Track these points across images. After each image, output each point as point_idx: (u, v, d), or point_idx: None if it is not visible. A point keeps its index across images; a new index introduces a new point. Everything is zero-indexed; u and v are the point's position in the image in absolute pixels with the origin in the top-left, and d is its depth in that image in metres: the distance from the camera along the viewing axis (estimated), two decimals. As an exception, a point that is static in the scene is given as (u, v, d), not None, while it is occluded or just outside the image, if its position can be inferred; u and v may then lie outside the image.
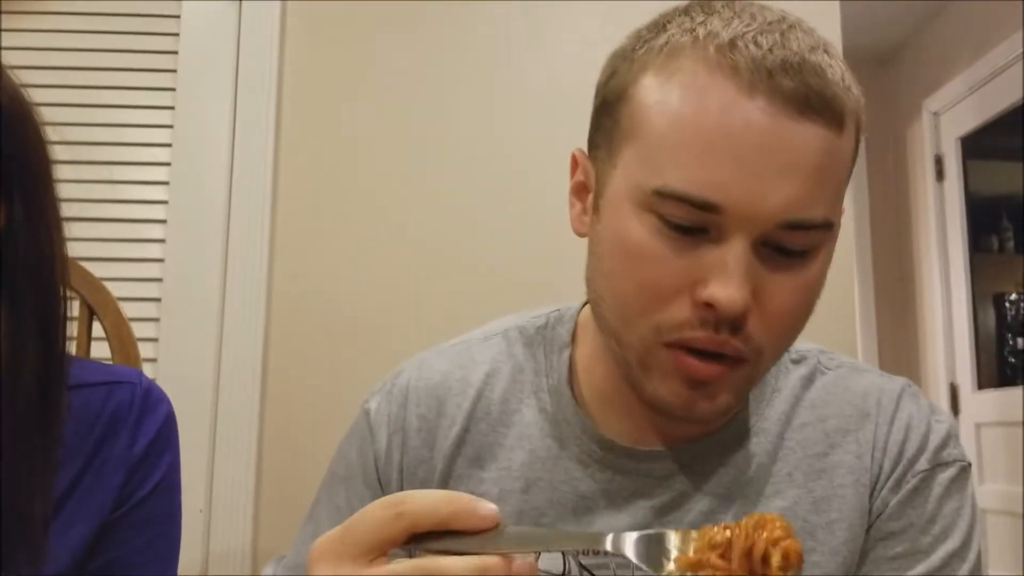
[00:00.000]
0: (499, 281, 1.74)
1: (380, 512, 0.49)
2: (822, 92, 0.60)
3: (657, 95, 0.62)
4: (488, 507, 0.49)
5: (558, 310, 0.80)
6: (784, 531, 0.49)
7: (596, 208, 0.67)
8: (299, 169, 1.80)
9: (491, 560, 0.47)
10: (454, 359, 0.79)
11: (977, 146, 3.25)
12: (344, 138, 1.81)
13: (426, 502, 0.49)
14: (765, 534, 0.49)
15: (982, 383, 3.16)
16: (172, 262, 1.74)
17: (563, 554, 0.70)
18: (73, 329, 0.98)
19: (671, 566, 0.49)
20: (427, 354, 0.81)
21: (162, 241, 1.74)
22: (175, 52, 1.78)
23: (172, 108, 1.77)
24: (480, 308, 1.01)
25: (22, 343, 0.70)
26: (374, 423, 0.77)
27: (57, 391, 0.73)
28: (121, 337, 1.04)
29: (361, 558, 0.48)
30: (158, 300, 1.73)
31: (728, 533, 0.49)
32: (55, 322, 0.74)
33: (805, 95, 0.59)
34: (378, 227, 1.79)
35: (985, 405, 3.09)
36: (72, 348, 0.85)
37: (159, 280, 1.73)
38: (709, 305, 0.60)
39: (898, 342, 3.65)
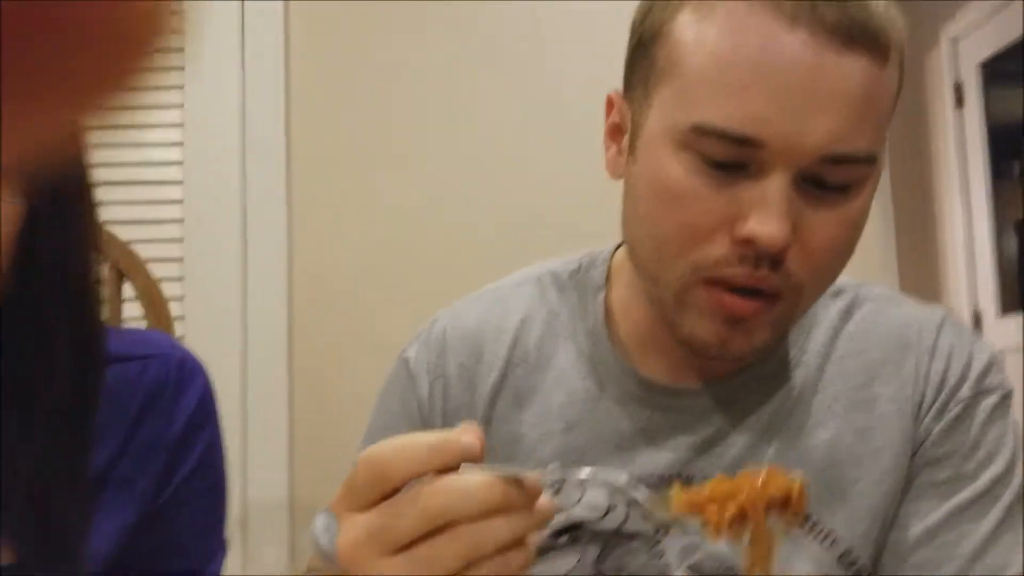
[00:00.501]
0: (523, 236, 1.74)
1: (368, 473, 0.48)
2: (866, 24, 0.59)
3: (694, 31, 0.62)
4: (470, 438, 0.48)
5: (589, 254, 0.81)
6: (785, 489, 0.51)
7: (632, 149, 0.67)
8: (314, 116, 1.79)
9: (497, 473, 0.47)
10: (488, 306, 0.80)
11: (997, 72, 3.19)
12: (361, 89, 1.79)
13: (414, 457, 0.48)
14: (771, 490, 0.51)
15: (1005, 308, 3.15)
16: (192, 222, 1.75)
17: (609, 491, 0.71)
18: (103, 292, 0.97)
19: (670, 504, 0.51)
20: (461, 302, 0.83)
21: (180, 202, 1.75)
22: None
23: (182, 69, 1.76)
24: (506, 260, 1.00)
25: (57, 322, 0.65)
26: (414, 371, 0.78)
27: (96, 372, 0.68)
28: (151, 297, 1.04)
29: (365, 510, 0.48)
30: (180, 260, 1.74)
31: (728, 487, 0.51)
32: (91, 296, 0.69)
33: (848, 26, 0.59)
34: (398, 181, 1.78)
35: (1008, 331, 3.08)
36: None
37: (180, 240, 1.74)
38: (748, 241, 0.60)
39: (919, 270, 3.63)
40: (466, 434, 0.47)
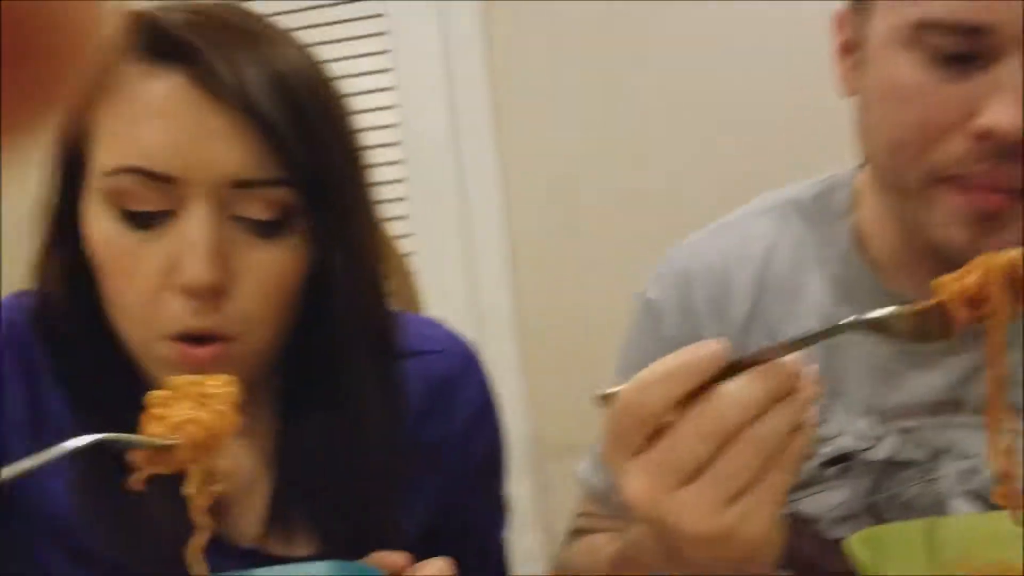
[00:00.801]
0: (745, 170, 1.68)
1: (624, 418, 0.47)
2: None
3: None
4: (711, 346, 0.47)
5: (829, 179, 0.78)
6: None
7: (861, 62, 0.66)
8: (517, 51, 1.80)
9: (757, 369, 0.46)
10: (729, 238, 0.79)
11: None
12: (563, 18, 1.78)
13: (662, 392, 0.46)
14: None
15: None
16: (414, 180, 1.82)
17: (878, 419, 0.69)
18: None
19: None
20: (697, 236, 0.82)
21: (398, 163, 1.81)
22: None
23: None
24: (728, 192, 0.98)
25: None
26: (660, 311, 0.78)
27: (393, 361, 0.70)
28: (403, 274, 1.09)
29: (639, 448, 0.48)
30: (405, 217, 1.82)
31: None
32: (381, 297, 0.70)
33: None
34: (608, 113, 1.76)
35: None
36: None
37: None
38: (986, 135, 0.58)
39: None
40: (706, 346, 0.47)
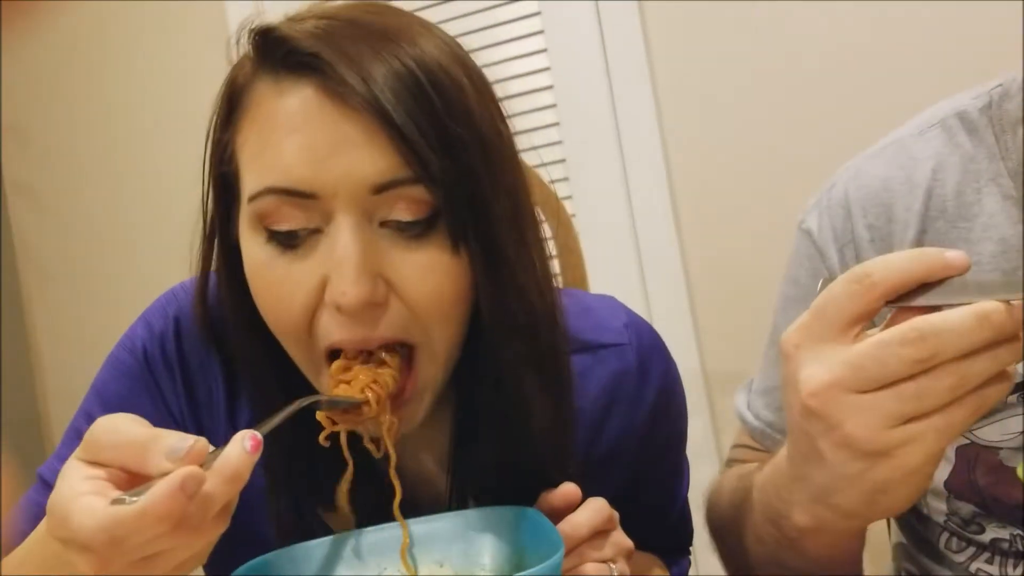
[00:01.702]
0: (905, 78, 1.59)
1: (849, 287, 0.47)
2: None
3: None
4: (955, 252, 0.46)
5: (999, 85, 0.72)
6: None
7: None
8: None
9: (987, 306, 0.44)
10: (891, 160, 0.75)
11: None
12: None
13: (896, 266, 0.46)
14: None
15: None
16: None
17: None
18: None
19: None
20: (857, 160, 0.78)
21: (552, 106, 1.82)
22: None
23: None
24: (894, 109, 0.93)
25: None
26: (820, 241, 0.76)
27: (562, 356, 0.68)
28: (559, 217, 1.09)
29: (842, 336, 0.47)
30: (563, 161, 1.82)
31: None
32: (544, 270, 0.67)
33: None
34: (763, 51, 1.70)
35: None
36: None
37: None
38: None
39: None
40: (951, 253, 0.46)
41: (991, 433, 0.70)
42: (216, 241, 0.66)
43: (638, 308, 0.79)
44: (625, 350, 0.73)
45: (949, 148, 0.72)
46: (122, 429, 0.49)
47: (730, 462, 0.85)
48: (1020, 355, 0.45)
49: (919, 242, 0.72)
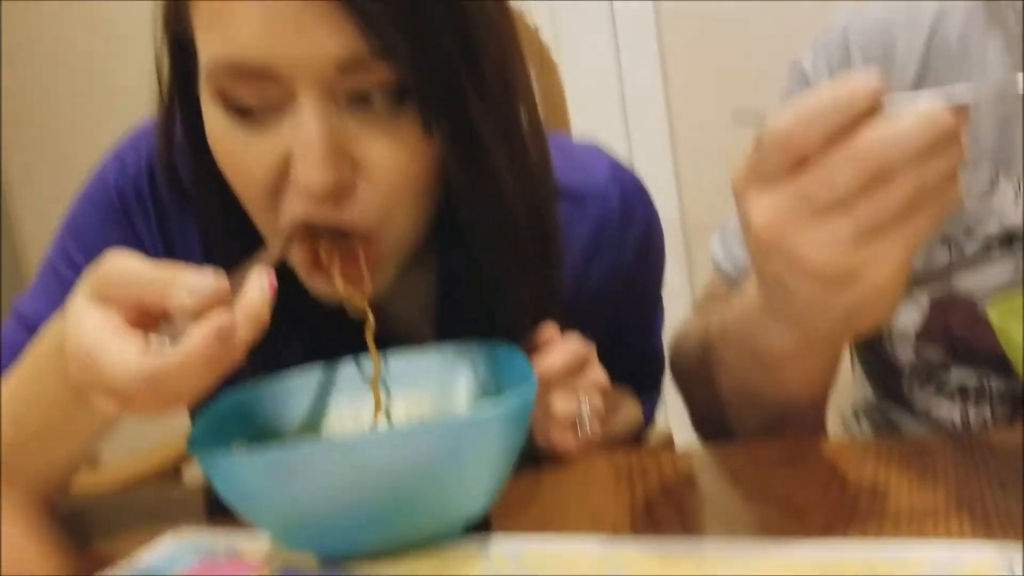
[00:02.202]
0: None
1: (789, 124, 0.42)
2: None
3: None
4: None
5: None
6: None
7: None
8: None
9: (929, 109, 0.41)
10: (893, 4, 0.73)
11: None
12: None
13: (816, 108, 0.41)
14: None
15: None
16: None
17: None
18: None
19: None
20: (856, 6, 0.76)
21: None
22: None
23: None
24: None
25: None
26: (814, 77, 0.75)
27: (550, 202, 0.66)
28: (542, 56, 1.07)
29: (787, 168, 0.43)
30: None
31: None
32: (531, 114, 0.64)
33: None
34: None
35: None
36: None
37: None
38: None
39: None
40: (863, 78, 0.42)
41: (969, 282, 0.71)
42: (177, 102, 0.63)
43: (620, 155, 0.78)
44: (609, 195, 0.73)
45: None
46: (133, 267, 0.48)
47: (699, 305, 0.85)
48: (964, 155, 0.43)
49: (917, 86, 0.70)
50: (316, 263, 0.59)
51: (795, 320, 0.52)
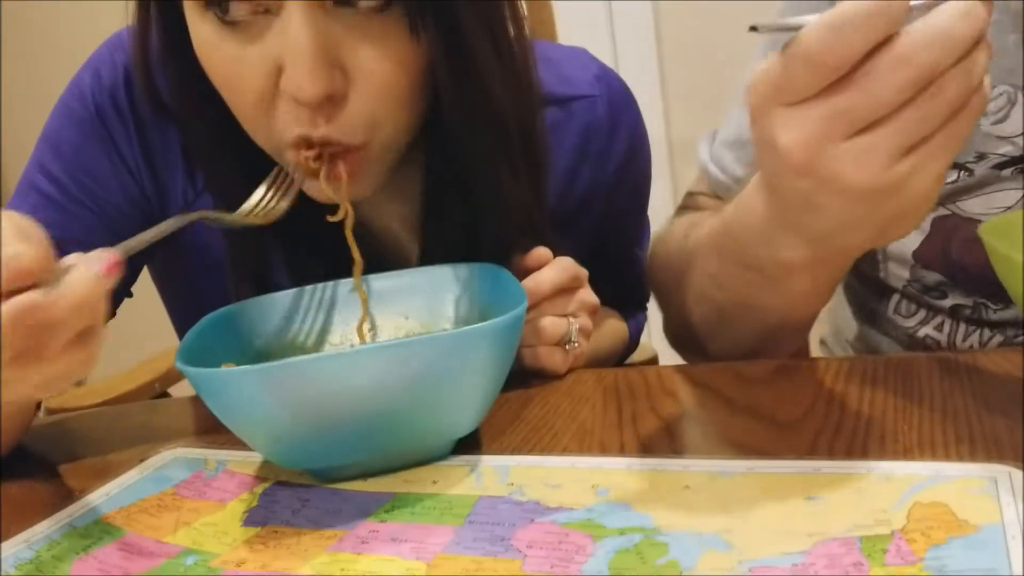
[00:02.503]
0: None
1: (823, 36, 0.40)
2: None
3: None
4: None
5: None
6: None
7: None
8: None
9: (963, 4, 0.39)
10: None
11: None
12: None
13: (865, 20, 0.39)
14: None
15: None
16: None
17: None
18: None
19: None
20: None
21: None
22: None
23: None
24: None
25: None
26: (799, 11, 0.69)
27: (535, 110, 0.66)
28: None
29: (819, 90, 0.41)
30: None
31: None
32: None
33: None
34: None
35: None
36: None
37: None
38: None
39: None
40: None
41: (976, 206, 0.70)
42: (154, 12, 0.61)
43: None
44: (596, 101, 0.72)
45: None
46: None
47: (683, 210, 0.82)
48: (991, 53, 0.41)
49: None
50: (308, 168, 0.58)
51: (817, 236, 0.49)
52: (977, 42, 0.39)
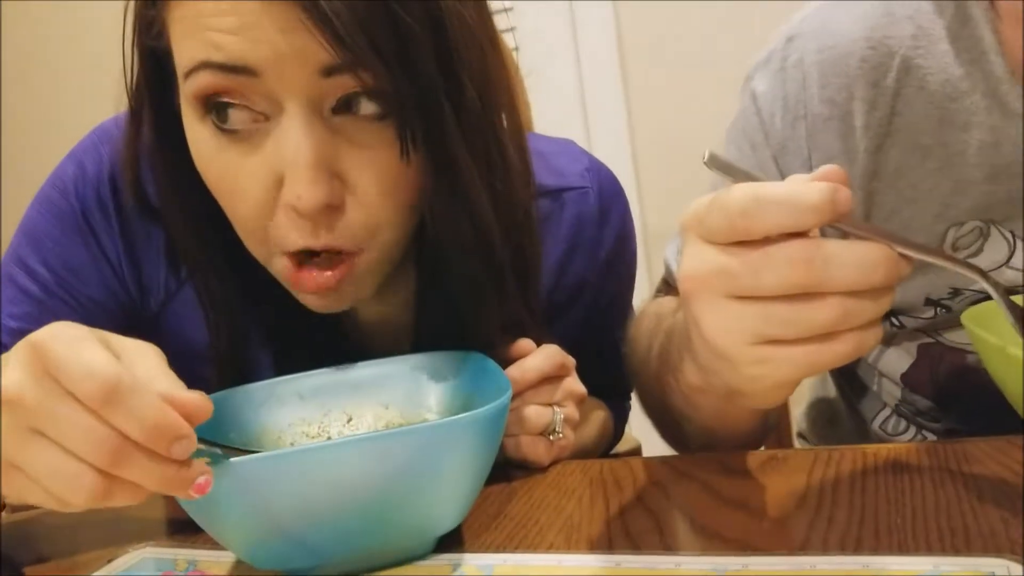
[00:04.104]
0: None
1: (743, 206, 0.41)
2: None
3: None
4: (844, 193, 0.40)
5: None
6: None
7: None
8: None
9: (885, 251, 0.40)
10: (864, 15, 0.64)
11: None
12: None
13: (782, 210, 0.40)
14: None
15: None
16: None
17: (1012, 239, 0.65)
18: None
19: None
20: (825, 7, 0.67)
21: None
22: None
23: None
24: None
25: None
26: (766, 111, 0.67)
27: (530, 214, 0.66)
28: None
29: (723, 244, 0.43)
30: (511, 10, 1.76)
31: None
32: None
33: None
34: None
35: None
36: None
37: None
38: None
39: None
40: (840, 194, 0.40)
41: (959, 336, 0.69)
42: (147, 112, 0.61)
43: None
44: (587, 193, 0.73)
45: (936, 9, 0.62)
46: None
47: (657, 293, 0.82)
48: (889, 306, 0.42)
49: (887, 124, 0.63)
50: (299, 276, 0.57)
51: (700, 365, 0.50)
52: (884, 290, 0.40)
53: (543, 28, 1.80)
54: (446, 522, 0.50)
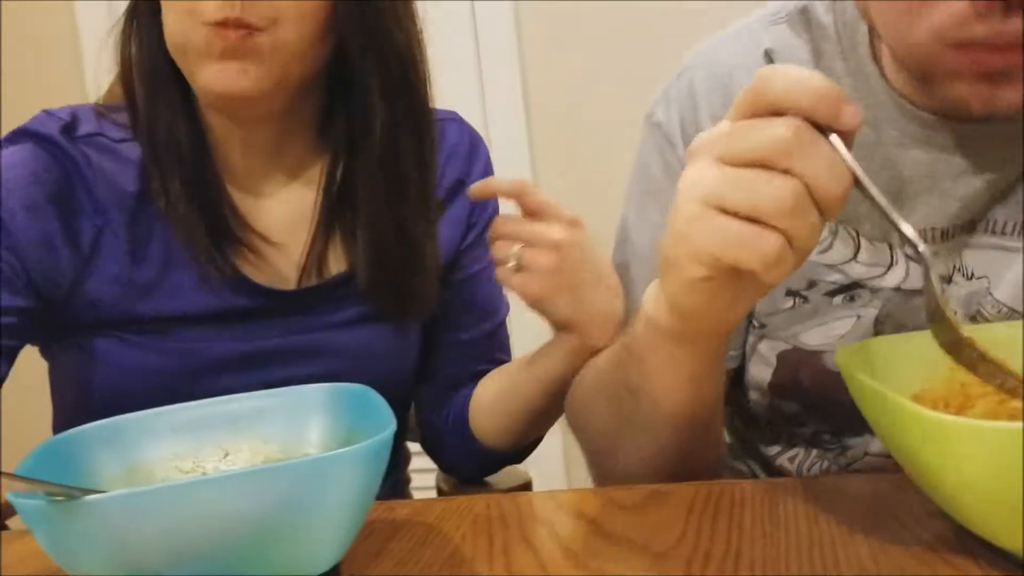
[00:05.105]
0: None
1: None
2: None
3: None
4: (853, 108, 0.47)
5: None
6: None
7: None
8: None
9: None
10: (738, 46, 0.73)
11: None
12: None
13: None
14: None
15: None
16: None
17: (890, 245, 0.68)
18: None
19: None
20: (707, 45, 0.76)
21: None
22: None
23: None
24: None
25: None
26: (669, 133, 0.74)
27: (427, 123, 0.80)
28: None
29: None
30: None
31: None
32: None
33: None
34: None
35: None
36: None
37: None
38: None
39: None
40: (849, 104, 0.46)
41: (814, 337, 0.72)
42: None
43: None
44: (459, 125, 0.88)
45: (795, 40, 0.71)
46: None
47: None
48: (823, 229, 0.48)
49: None
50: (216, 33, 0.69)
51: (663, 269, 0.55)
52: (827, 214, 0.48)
53: (447, 73, 1.82)
54: (324, 561, 0.48)
